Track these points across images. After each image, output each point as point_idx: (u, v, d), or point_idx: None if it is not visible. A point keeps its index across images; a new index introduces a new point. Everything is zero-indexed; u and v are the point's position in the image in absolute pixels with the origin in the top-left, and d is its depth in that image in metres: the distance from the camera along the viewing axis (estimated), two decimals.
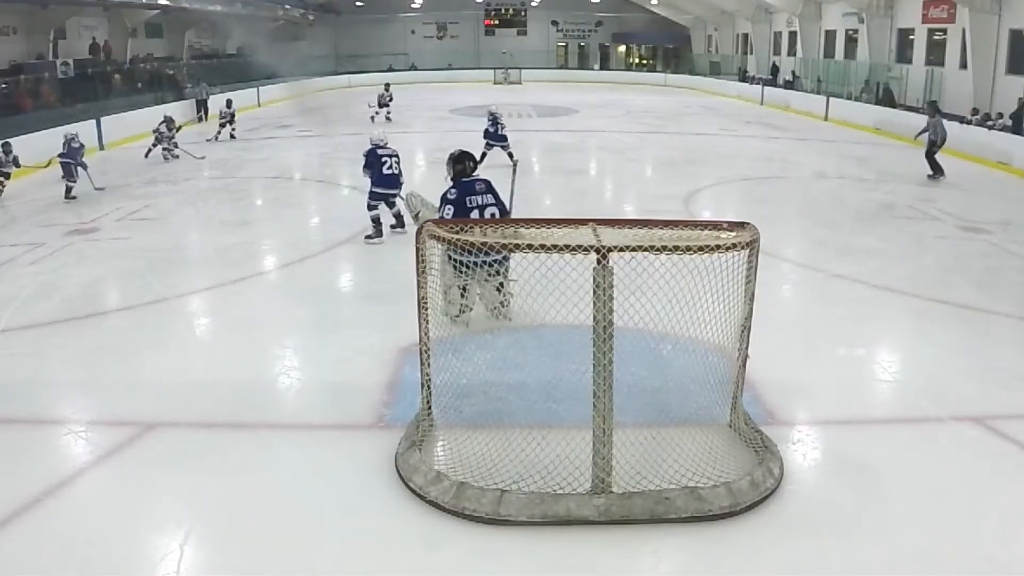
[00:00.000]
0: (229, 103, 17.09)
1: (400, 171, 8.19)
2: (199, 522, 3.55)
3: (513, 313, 5.69)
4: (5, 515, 3.54)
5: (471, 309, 5.57)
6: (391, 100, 20.09)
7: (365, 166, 8.20)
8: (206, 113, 20.03)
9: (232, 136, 16.78)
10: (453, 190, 5.70)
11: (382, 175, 8.02)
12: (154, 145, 14.02)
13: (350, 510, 3.63)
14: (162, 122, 14.11)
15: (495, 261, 5.11)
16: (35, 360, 5.39)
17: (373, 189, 8.08)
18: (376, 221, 8.11)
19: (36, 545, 3.39)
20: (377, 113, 19.44)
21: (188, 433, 4.35)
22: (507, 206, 5.97)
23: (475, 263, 4.59)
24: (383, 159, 8.03)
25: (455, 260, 4.66)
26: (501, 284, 5.51)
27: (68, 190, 10.66)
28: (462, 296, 5.45)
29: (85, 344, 5.67)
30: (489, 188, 5.74)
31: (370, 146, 8.20)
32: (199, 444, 4.23)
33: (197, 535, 3.47)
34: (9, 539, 3.42)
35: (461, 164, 5.88)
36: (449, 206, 5.59)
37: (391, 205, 8.23)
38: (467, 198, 5.60)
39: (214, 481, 3.86)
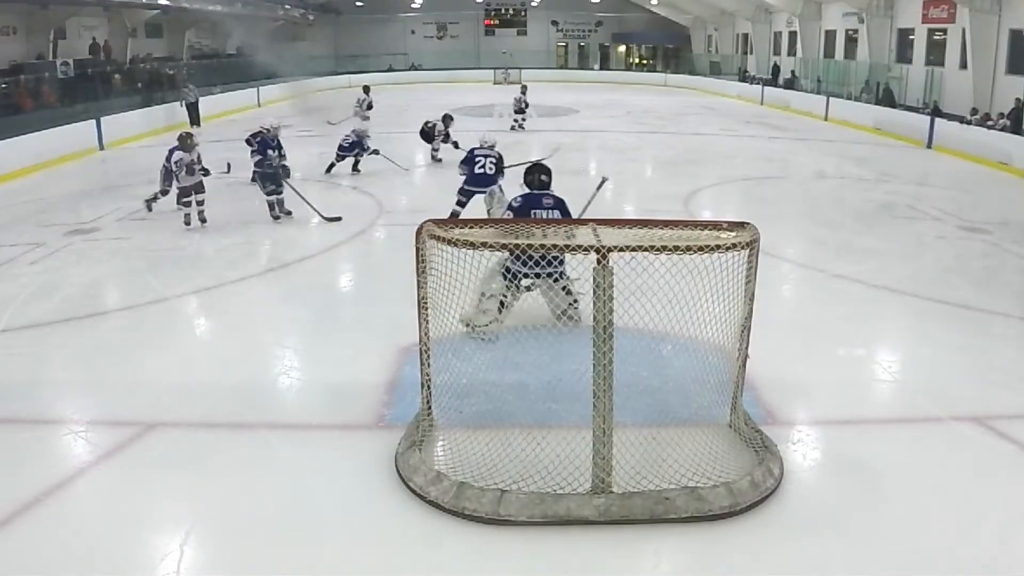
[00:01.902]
0: (367, 89, 15.05)
1: (494, 170, 8.52)
2: (199, 522, 3.56)
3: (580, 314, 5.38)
4: (5, 515, 3.54)
5: (501, 322, 5.40)
6: (527, 106, 17.93)
7: (462, 162, 8.67)
8: (198, 118, 19.00)
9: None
10: (519, 198, 5.71)
11: (474, 174, 8.49)
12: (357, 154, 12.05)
13: (350, 510, 3.63)
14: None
15: (556, 273, 5.12)
16: (35, 360, 5.38)
17: (464, 186, 8.53)
18: (454, 215, 8.23)
19: (36, 545, 3.39)
20: (516, 121, 17.75)
21: (188, 433, 4.35)
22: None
23: (537, 274, 4.52)
24: (477, 159, 8.54)
25: (512, 270, 4.57)
26: (567, 288, 5.35)
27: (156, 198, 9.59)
28: (499, 310, 5.34)
29: (85, 344, 5.67)
30: (558, 204, 5.63)
31: (476, 144, 8.79)
32: (199, 444, 4.23)
33: (197, 535, 3.47)
34: (9, 539, 3.42)
35: (530, 176, 5.83)
36: (509, 212, 5.60)
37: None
38: (531, 211, 5.53)
39: (214, 481, 3.86)
